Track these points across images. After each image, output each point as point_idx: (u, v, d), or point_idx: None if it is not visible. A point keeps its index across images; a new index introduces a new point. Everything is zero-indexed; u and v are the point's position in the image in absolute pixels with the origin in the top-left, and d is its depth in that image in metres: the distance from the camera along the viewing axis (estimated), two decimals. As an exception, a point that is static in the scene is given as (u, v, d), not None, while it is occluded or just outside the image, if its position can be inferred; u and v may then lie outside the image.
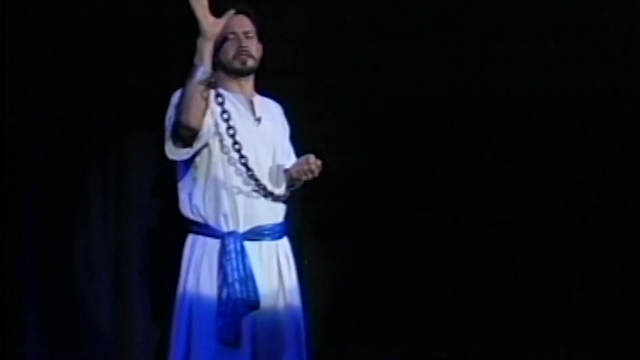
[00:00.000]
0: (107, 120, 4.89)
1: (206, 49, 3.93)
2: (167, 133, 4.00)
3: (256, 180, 4.04)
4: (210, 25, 3.92)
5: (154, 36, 4.86)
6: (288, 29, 5.02)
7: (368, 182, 5.14)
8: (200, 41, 3.93)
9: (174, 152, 4.01)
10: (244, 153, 4.03)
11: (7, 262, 4.66)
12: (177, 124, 3.95)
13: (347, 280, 5.15)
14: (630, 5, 5.07)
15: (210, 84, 3.96)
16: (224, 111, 4.03)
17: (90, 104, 4.86)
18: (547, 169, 5.16)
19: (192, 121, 3.93)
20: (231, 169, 4.06)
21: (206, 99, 3.95)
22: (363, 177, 5.12)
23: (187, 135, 3.96)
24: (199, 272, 4.04)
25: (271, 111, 4.26)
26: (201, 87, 3.92)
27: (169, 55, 4.87)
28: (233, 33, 4.14)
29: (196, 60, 3.93)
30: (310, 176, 4.08)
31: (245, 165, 4.03)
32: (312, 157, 4.07)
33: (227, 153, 4.06)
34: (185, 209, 4.10)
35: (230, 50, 4.13)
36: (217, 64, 4.13)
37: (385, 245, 5.17)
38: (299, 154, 4.31)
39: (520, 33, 5.13)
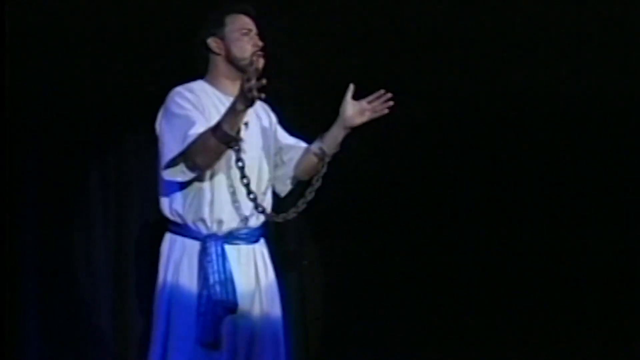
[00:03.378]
0: (107, 120, 4.89)
1: (243, 119, 3.87)
2: (171, 158, 3.93)
3: (251, 194, 4.00)
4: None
5: (154, 36, 4.86)
6: (285, 29, 5.02)
7: (367, 184, 5.15)
8: (242, 111, 3.81)
9: (172, 175, 3.96)
10: (246, 173, 3.99)
11: (7, 263, 4.66)
12: (189, 161, 3.90)
13: (346, 282, 5.15)
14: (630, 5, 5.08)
15: (231, 147, 3.89)
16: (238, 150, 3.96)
17: (90, 104, 4.86)
18: (546, 171, 5.17)
19: (207, 168, 3.95)
20: (218, 177, 4.04)
21: (224, 152, 3.91)
22: (362, 179, 5.12)
23: (193, 168, 3.95)
24: (179, 273, 4.02)
25: (257, 113, 4.19)
26: (224, 147, 3.87)
27: (168, 56, 4.86)
28: (249, 30, 4.11)
29: (229, 128, 3.81)
30: (379, 112, 4.13)
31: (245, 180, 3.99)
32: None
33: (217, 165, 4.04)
34: (165, 210, 4.08)
35: (248, 47, 4.08)
36: (227, 58, 4.10)
37: (384, 247, 5.17)
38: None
39: (520, 32, 5.13)
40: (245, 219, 4.05)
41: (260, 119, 4.20)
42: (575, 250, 5.15)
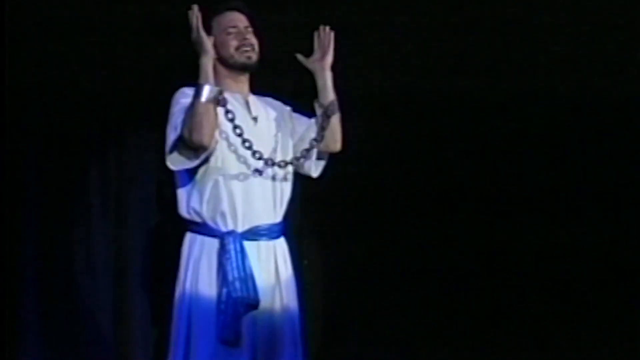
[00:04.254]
0: (107, 120, 4.89)
1: (210, 67, 3.95)
2: (169, 145, 3.95)
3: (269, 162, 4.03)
4: (210, 43, 3.98)
5: (154, 36, 4.86)
6: (284, 25, 5.01)
7: (367, 182, 5.14)
8: (203, 60, 3.94)
9: (177, 163, 3.97)
10: (255, 149, 4.01)
11: (7, 263, 4.66)
12: (187, 141, 3.91)
13: (346, 281, 5.15)
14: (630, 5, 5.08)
15: (219, 101, 3.93)
16: (227, 111, 4.01)
17: (90, 103, 4.86)
18: (547, 172, 5.17)
19: (205, 140, 3.91)
20: (231, 168, 4.05)
21: (216, 117, 3.93)
22: (362, 177, 5.12)
23: (196, 149, 3.95)
24: (198, 271, 4.02)
25: (266, 108, 4.22)
26: (211, 106, 3.91)
27: (169, 55, 4.86)
28: (234, 27, 4.12)
29: (202, 80, 3.91)
30: (329, 41, 4.18)
31: (260, 158, 4.02)
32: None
33: (228, 152, 4.05)
34: (182, 209, 4.08)
35: (232, 44, 4.09)
36: (217, 60, 4.10)
37: (385, 246, 5.17)
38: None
39: (520, 32, 5.14)
40: (257, 172, 4.03)
41: (269, 112, 4.21)
42: (574, 249, 5.15)
